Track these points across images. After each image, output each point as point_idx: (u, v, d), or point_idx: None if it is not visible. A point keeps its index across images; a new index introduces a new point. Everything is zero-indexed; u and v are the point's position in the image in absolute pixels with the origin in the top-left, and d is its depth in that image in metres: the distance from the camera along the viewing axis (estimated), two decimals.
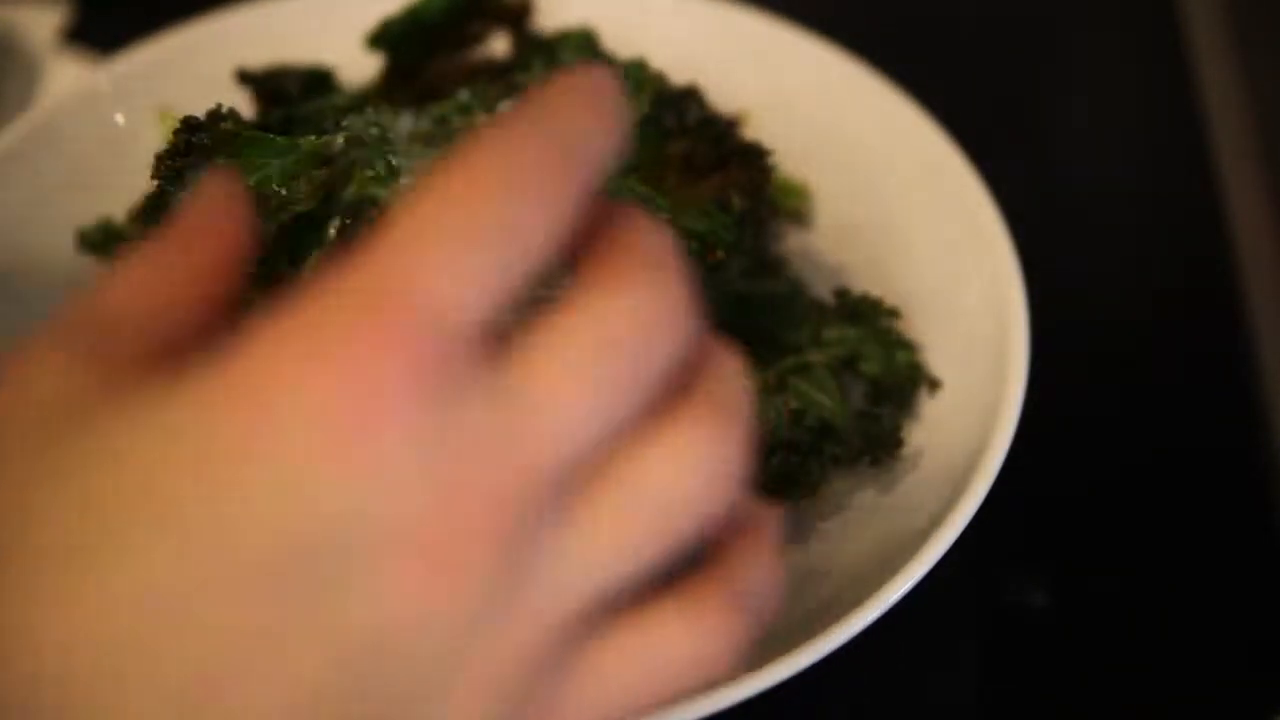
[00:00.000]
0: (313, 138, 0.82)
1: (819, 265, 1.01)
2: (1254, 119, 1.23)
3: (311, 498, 0.36)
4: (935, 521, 0.79)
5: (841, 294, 0.94)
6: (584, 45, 0.96)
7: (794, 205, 1.03)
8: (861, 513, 0.87)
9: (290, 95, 0.99)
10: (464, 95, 0.95)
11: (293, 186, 0.80)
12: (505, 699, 0.40)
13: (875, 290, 0.94)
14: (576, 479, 0.41)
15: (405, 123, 0.92)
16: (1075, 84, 1.31)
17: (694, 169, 0.89)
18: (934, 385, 0.90)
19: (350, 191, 0.78)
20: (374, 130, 0.83)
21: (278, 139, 0.82)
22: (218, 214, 0.48)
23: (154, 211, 0.80)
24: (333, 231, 0.78)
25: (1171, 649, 0.91)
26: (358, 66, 1.04)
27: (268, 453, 0.36)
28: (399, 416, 0.37)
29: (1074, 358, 1.06)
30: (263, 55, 1.04)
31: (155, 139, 1.03)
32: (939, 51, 1.33)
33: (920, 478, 0.86)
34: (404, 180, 0.79)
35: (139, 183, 0.94)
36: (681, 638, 0.43)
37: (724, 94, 1.01)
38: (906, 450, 0.87)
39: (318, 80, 1.02)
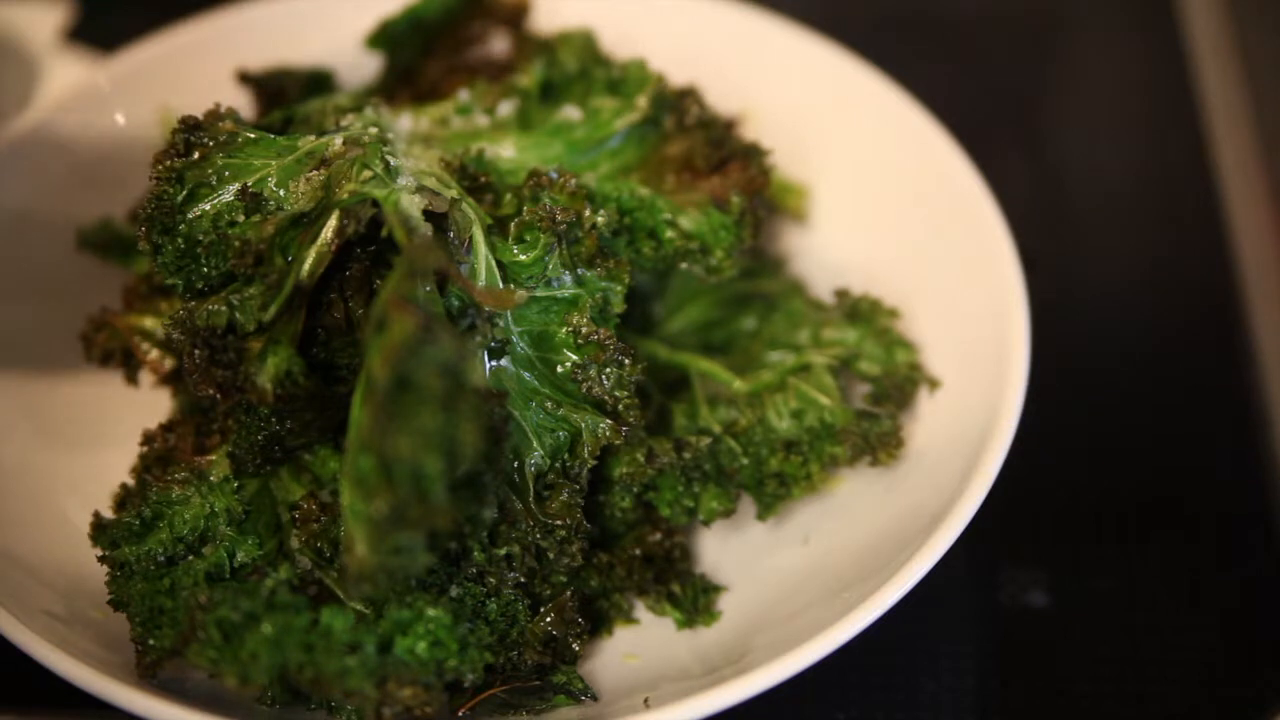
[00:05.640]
0: (312, 138, 0.82)
1: (819, 265, 1.01)
2: (1254, 119, 1.23)
3: None
4: (935, 522, 0.79)
5: (841, 294, 0.94)
6: (584, 45, 0.97)
7: (794, 205, 1.03)
8: (861, 513, 0.87)
9: (290, 95, 1.00)
10: (464, 95, 0.96)
11: (291, 186, 0.80)
12: None
13: (875, 290, 0.94)
14: None
15: (405, 123, 0.92)
16: (1075, 84, 1.31)
17: (694, 169, 0.90)
18: (934, 385, 0.90)
19: (348, 191, 0.78)
20: (373, 130, 0.83)
21: (277, 139, 0.83)
22: None
23: (154, 211, 0.80)
24: (329, 232, 0.78)
25: (1171, 649, 0.91)
26: (358, 66, 1.04)
27: None
28: None
29: (1074, 358, 1.07)
30: (263, 55, 1.04)
31: (155, 139, 1.03)
32: (939, 51, 1.33)
33: (920, 478, 0.86)
34: (402, 180, 0.79)
35: (139, 183, 0.94)
36: None
37: (724, 94, 1.01)
38: (906, 450, 0.87)
39: (318, 80, 1.02)
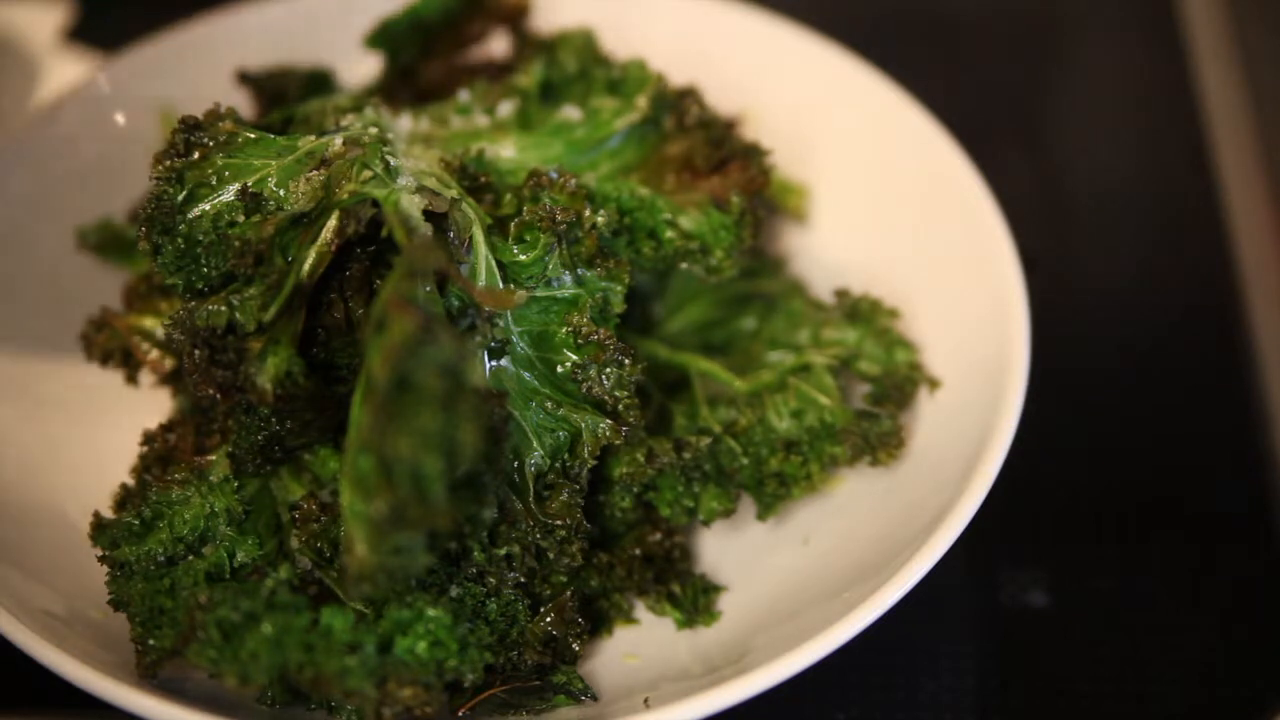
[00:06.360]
0: (312, 138, 0.82)
1: (819, 265, 1.01)
2: (1254, 119, 1.23)
3: None
4: (935, 522, 0.79)
5: (841, 294, 0.94)
6: (584, 45, 0.97)
7: (794, 205, 1.03)
8: (861, 513, 0.87)
9: (290, 95, 1.00)
10: (464, 95, 0.96)
11: (291, 186, 0.80)
12: None
13: (875, 290, 0.94)
14: None
15: (405, 123, 0.92)
16: (1075, 84, 1.31)
17: (694, 169, 0.89)
18: (934, 385, 0.90)
19: (348, 191, 0.78)
20: (373, 130, 0.83)
21: (277, 139, 0.82)
22: None
23: (154, 211, 0.80)
24: (329, 232, 0.78)
25: (1171, 649, 0.91)
26: (358, 66, 1.04)
27: None
28: None
29: (1074, 358, 1.06)
30: (263, 55, 1.04)
31: (155, 139, 1.03)
32: (939, 51, 1.33)
33: (920, 478, 0.86)
34: (402, 180, 0.79)
35: (139, 183, 0.94)
36: None
37: (724, 94, 1.01)
38: (906, 450, 0.87)
39: (318, 80, 1.02)
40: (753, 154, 0.90)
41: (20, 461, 0.92)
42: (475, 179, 0.85)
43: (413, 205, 0.77)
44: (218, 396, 0.77)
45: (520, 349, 0.81)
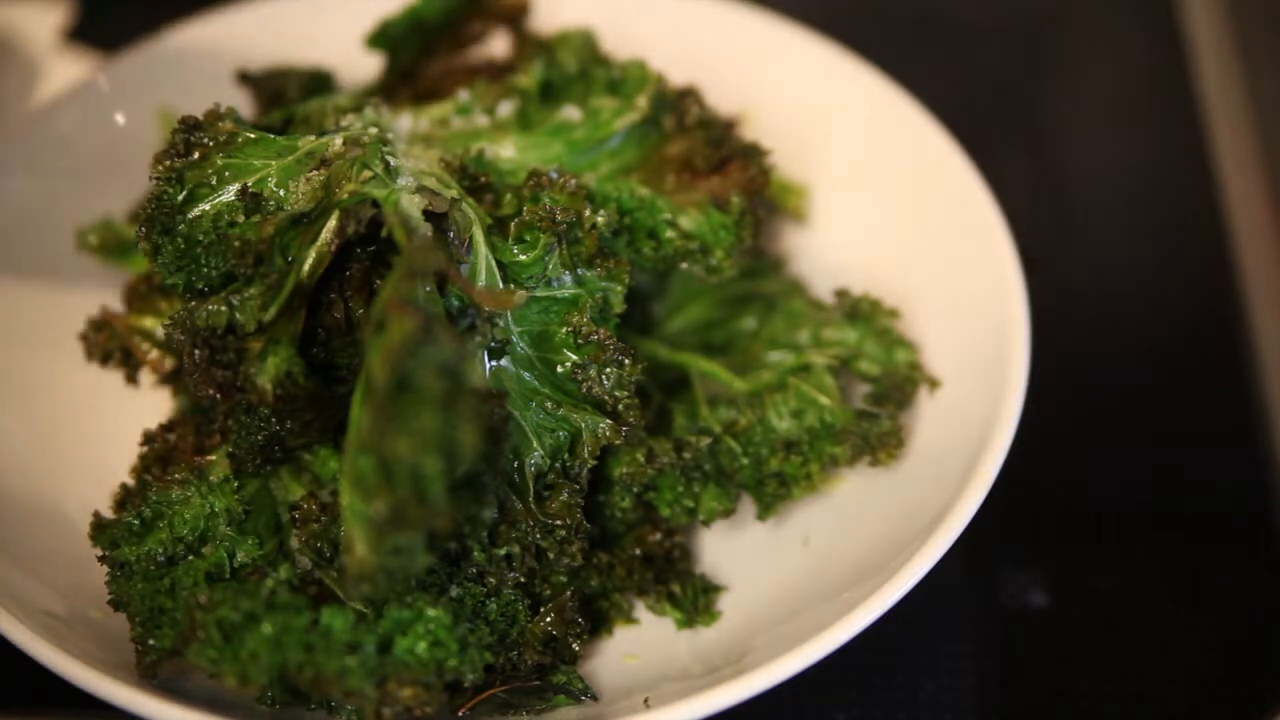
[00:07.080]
0: (312, 138, 0.82)
1: (819, 265, 1.01)
2: (1254, 119, 1.23)
3: None
4: (935, 522, 0.79)
5: (841, 294, 0.94)
6: (584, 45, 0.97)
7: (794, 205, 1.03)
8: (861, 513, 0.87)
9: (290, 95, 1.00)
10: (464, 95, 0.96)
11: (291, 186, 0.80)
12: None
13: (875, 290, 0.94)
14: None
15: (405, 123, 0.92)
16: (1075, 84, 1.31)
17: (694, 169, 0.89)
18: (934, 385, 0.90)
19: (348, 191, 0.78)
20: (373, 130, 0.83)
21: (277, 139, 0.82)
22: None
23: (154, 211, 0.80)
24: (329, 232, 0.78)
25: (1171, 649, 0.91)
26: (358, 66, 1.04)
27: None
28: None
29: (1074, 358, 1.06)
30: (263, 55, 1.04)
31: (155, 139, 1.03)
32: (939, 51, 1.33)
33: (920, 478, 0.86)
34: (402, 180, 0.79)
35: (139, 183, 0.94)
36: None
37: (724, 94, 1.01)
38: (906, 450, 0.87)
39: (318, 80, 1.02)
40: (753, 154, 0.90)
41: (20, 461, 0.92)
42: (475, 179, 0.85)
43: (413, 205, 0.77)
44: (218, 396, 0.77)
45: (520, 349, 0.81)
